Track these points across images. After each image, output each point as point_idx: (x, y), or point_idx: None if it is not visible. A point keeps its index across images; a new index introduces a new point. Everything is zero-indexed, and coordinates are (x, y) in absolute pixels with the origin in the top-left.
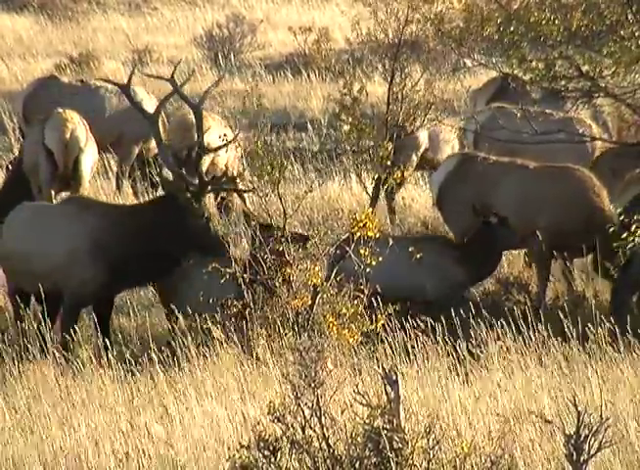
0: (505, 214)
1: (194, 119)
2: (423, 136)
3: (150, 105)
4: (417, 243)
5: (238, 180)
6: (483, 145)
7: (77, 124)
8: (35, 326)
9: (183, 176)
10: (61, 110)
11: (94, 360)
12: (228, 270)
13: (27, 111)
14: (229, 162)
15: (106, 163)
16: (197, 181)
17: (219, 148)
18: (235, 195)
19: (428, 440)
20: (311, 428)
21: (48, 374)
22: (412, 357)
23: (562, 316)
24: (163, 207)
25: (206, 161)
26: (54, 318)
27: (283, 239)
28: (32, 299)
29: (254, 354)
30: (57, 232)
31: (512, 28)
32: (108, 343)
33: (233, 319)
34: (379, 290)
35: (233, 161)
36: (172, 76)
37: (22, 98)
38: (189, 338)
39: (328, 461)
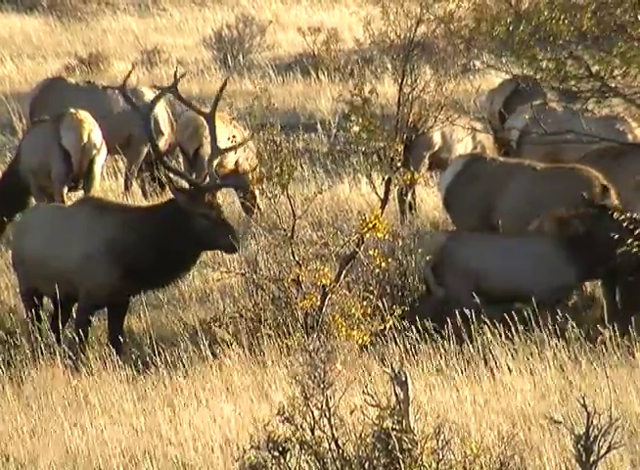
0: (511, 216)
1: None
2: (436, 136)
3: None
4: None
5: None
6: (526, 146)
7: (93, 125)
8: (46, 327)
9: (181, 175)
10: (74, 110)
11: (103, 361)
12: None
13: (34, 112)
14: (238, 162)
15: (114, 164)
16: (196, 181)
17: (230, 149)
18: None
19: (437, 440)
20: (320, 429)
21: (58, 375)
22: (421, 358)
23: (571, 317)
24: (166, 209)
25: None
26: (65, 320)
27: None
28: (44, 300)
29: (264, 355)
30: (74, 234)
31: (521, 28)
32: (119, 343)
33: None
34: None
35: (242, 161)
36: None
37: (30, 99)
38: (199, 338)
39: (337, 462)
